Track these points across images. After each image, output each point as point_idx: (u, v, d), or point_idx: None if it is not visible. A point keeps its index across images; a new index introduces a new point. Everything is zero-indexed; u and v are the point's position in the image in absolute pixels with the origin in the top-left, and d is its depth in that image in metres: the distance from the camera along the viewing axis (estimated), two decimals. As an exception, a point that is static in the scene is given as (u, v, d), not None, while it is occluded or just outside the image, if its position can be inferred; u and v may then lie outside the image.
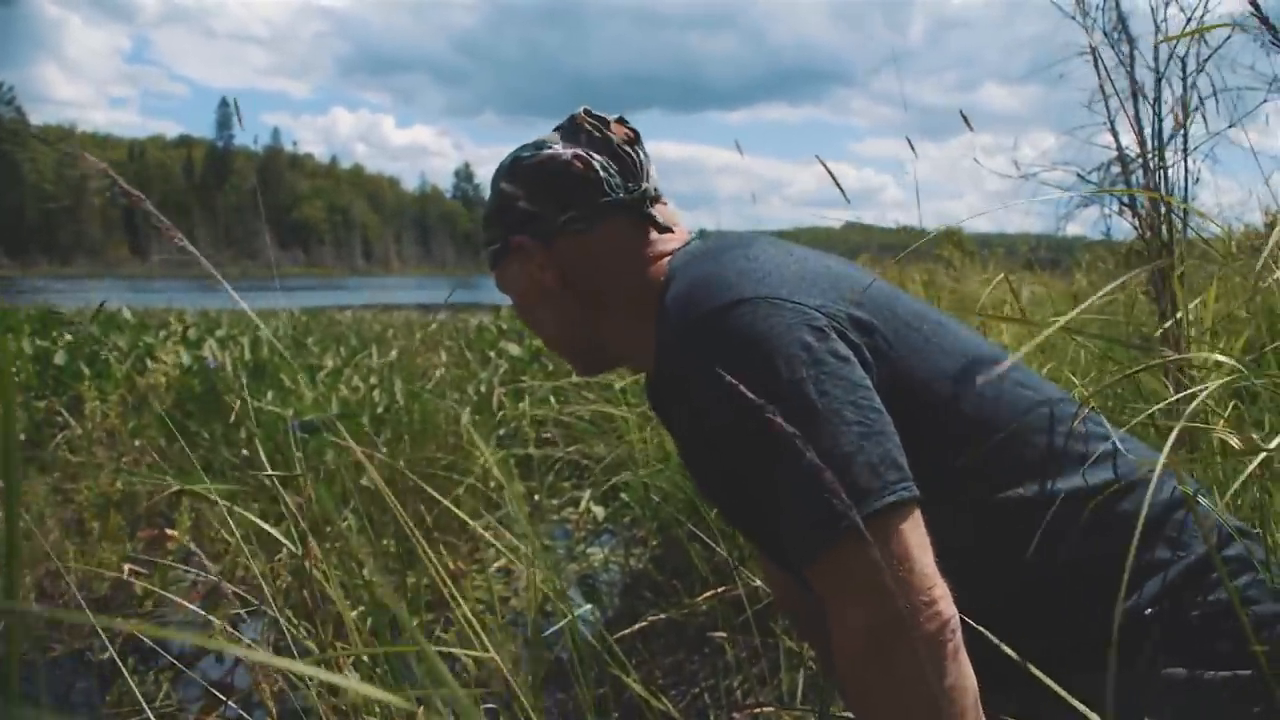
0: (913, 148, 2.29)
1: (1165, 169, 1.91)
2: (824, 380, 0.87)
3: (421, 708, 1.27)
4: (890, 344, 0.96)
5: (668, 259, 1.10)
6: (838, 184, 2.08)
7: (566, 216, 1.12)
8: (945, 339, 1.01)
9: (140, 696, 1.34)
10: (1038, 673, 0.82)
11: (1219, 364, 1.21)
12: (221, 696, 1.77)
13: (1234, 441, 1.02)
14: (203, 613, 2.07)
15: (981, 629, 0.85)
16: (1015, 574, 0.93)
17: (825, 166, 2.08)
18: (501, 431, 3.46)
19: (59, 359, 4.50)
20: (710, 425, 0.93)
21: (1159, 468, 0.87)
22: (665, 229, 1.16)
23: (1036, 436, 0.99)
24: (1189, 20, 1.64)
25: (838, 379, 0.88)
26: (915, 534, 0.85)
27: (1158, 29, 1.76)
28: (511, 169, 1.14)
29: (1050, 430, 0.99)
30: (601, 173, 1.12)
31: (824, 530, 0.84)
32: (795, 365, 0.87)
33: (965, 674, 0.85)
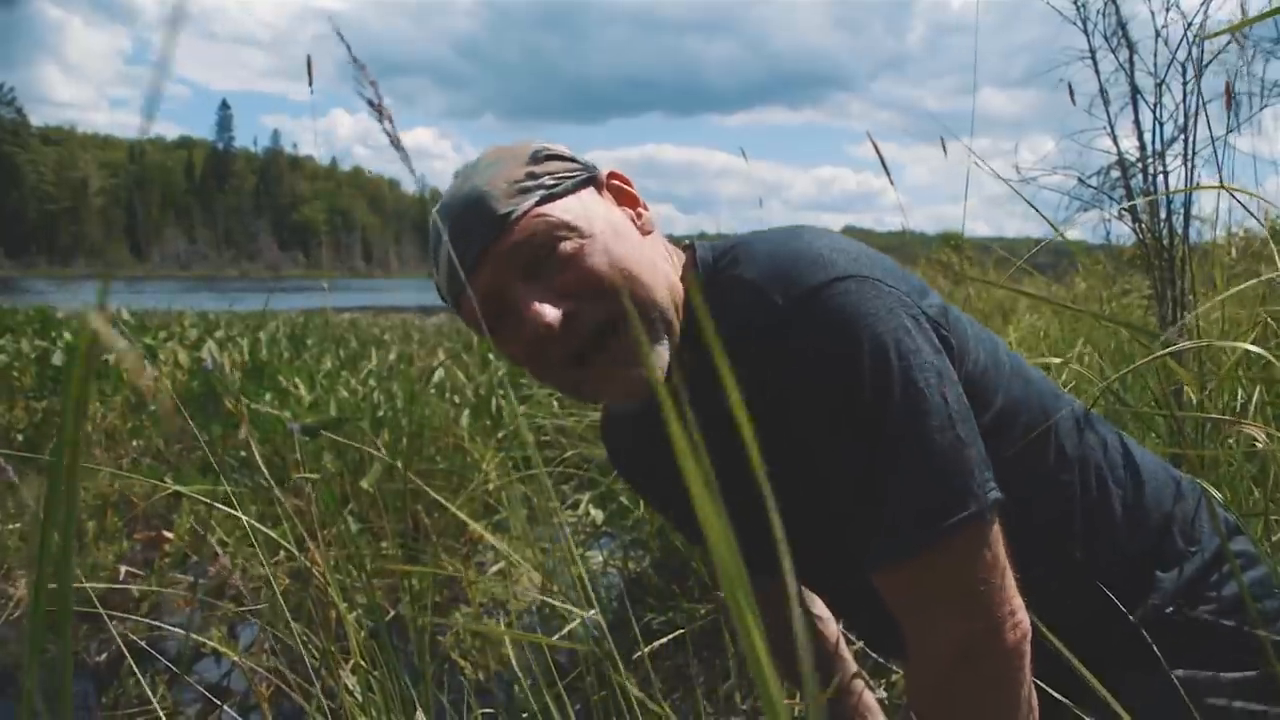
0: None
1: (1166, 172, 1.91)
2: (927, 370, 0.83)
3: (420, 712, 1.26)
4: (953, 335, 0.92)
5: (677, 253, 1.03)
6: (884, 164, 2.06)
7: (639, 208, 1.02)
8: (982, 333, 1.00)
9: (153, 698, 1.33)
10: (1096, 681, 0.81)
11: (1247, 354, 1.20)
12: (216, 700, 1.76)
13: (1260, 436, 1.01)
14: (200, 618, 2.06)
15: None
16: (1037, 573, 0.90)
17: (875, 144, 2.06)
18: (500, 434, 3.45)
19: (58, 359, 4.50)
20: (798, 402, 0.86)
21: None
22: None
23: (1065, 425, 0.97)
24: (1189, 25, 1.64)
25: (937, 370, 0.84)
26: (1002, 539, 0.84)
27: (1158, 35, 1.76)
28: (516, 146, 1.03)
29: (1074, 423, 0.99)
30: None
31: (925, 529, 0.81)
32: (902, 351, 0.83)
33: (1031, 685, 0.84)
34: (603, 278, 0.89)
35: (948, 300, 0.97)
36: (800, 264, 0.87)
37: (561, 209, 0.90)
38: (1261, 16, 0.68)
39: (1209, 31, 1.63)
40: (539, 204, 0.90)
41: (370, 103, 0.86)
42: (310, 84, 1.09)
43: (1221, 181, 1.60)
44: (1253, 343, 1.44)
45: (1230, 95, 1.68)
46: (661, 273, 0.94)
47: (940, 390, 0.82)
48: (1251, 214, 1.30)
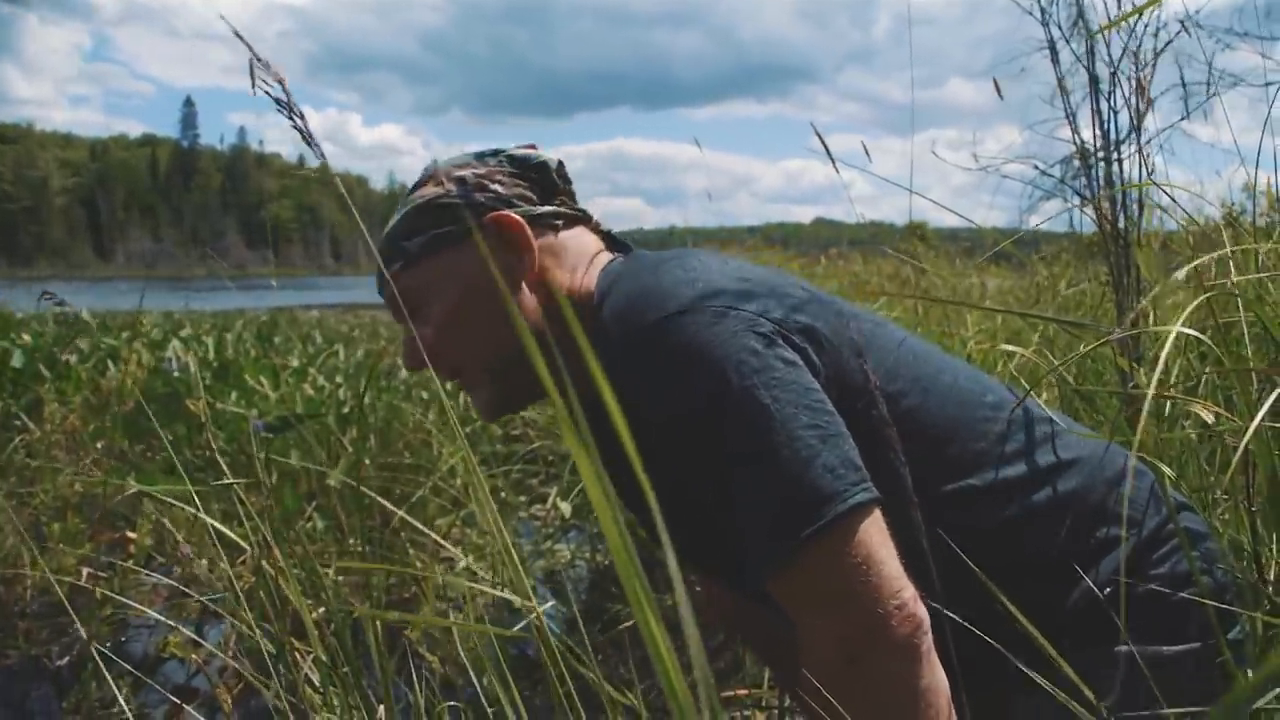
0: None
1: (1121, 161, 1.93)
2: (774, 386, 0.85)
3: (382, 707, 1.26)
4: (833, 344, 0.94)
5: (593, 278, 1.07)
6: (830, 155, 2.06)
7: (547, 209, 1.09)
8: (885, 337, 1.01)
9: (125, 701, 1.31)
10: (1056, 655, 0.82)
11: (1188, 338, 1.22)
12: (179, 702, 1.74)
13: (1206, 414, 1.03)
14: (162, 617, 2.04)
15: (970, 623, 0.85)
16: (975, 564, 0.92)
17: (819, 135, 2.06)
18: (468, 429, 3.44)
19: (16, 361, 4.42)
20: (656, 438, 0.89)
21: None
22: (623, 246, 1.14)
23: (981, 426, 0.99)
24: (1139, 13, 1.66)
25: (788, 384, 0.86)
26: (879, 536, 0.84)
27: (1110, 22, 1.78)
28: (483, 157, 1.10)
29: (993, 420, 1.00)
30: (570, 185, 1.13)
31: (785, 541, 0.82)
32: (744, 373, 0.85)
33: (938, 675, 0.84)
34: (413, 358, 1.08)
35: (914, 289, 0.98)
36: (643, 300, 0.93)
37: (413, 280, 1.07)
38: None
39: (1117, 18, 1.65)
40: (400, 269, 1.07)
41: (278, 101, 0.86)
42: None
43: (1145, 175, 1.62)
44: (1195, 329, 1.47)
45: (1144, 88, 1.70)
46: (501, 330, 1.04)
47: (789, 404, 0.85)
48: (1181, 207, 1.32)
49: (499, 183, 1.07)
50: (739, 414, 0.84)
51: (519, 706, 0.96)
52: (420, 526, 1.36)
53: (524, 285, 1.05)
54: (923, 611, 0.84)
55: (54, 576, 2.13)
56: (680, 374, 0.87)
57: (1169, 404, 1.29)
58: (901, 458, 0.89)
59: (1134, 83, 1.81)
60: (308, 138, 0.95)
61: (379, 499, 1.39)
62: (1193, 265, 0.95)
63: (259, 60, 0.89)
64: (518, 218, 1.05)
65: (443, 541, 1.30)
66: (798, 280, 1.03)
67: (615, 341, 0.92)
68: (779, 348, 0.88)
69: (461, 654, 1.48)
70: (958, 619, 0.87)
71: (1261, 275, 1.11)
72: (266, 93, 0.91)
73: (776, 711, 1.72)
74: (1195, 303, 0.86)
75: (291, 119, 0.93)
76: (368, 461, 2.93)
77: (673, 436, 0.89)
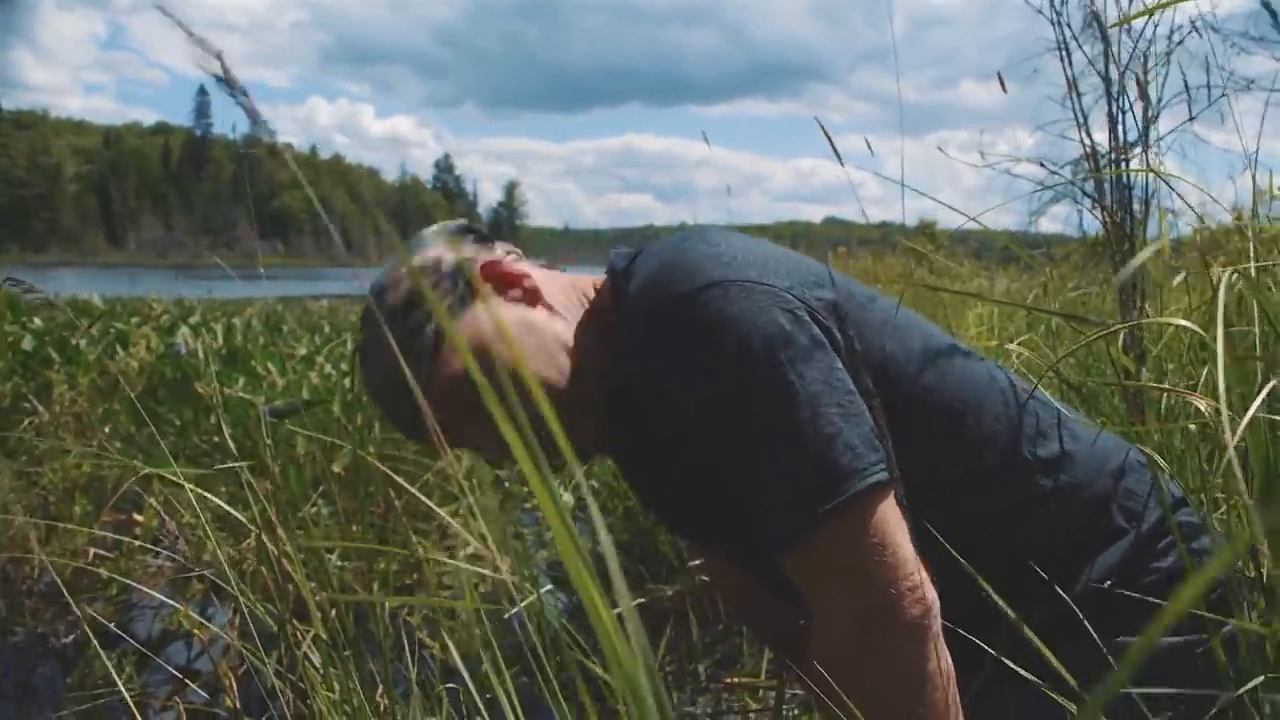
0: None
1: (1129, 161, 1.93)
2: (800, 363, 0.86)
3: (381, 686, 1.27)
4: (853, 322, 0.96)
5: (596, 280, 1.08)
6: (835, 149, 2.06)
7: (481, 242, 1.07)
8: (898, 318, 1.02)
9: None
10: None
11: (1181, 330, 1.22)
12: (183, 678, 1.76)
13: (1201, 405, 1.03)
14: (168, 599, 2.06)
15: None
16: (975, 551, 0.92)
17: (822, 128, 2.05)
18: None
19: (26, 344, 4.45)
20: (683, 414, 0.91)
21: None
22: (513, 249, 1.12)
23: (995, 409, 1.00)
24: (1150, 13, 1.66)
25: (813, 361, 0.87)
26: (895, 518, 0.85)
27: (1121, 24, 1.78)
28: (383, 290, 1.05)
29: (1004, 404, 1.01)
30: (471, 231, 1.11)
31: (804, 514, 0.84)
32: (772, 348, 0.86)
33: (944, 658, 0.85)
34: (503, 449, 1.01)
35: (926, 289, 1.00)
36: (669, 274, 0.93)
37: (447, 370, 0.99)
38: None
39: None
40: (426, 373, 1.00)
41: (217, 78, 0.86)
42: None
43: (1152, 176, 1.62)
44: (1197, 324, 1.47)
45: (1143, 88, 1.70)
46: (545, 357, 0.99)
47: (814, 381, 0.86)
48: (1190, 206, 1.32)
49: (430, 277, 1.03)
50: (764, 390, 0.85)
51: (510, 691, 0.97)
52: (427, 502, 1.36)
53: (544, 308, 1.03)
54: (933, 595, 0.85)
55: (56, 560, 2.16)
56: (708, 348, 0.87)
57: (1167, 398, 1.29)
58: (886, 440, 0.91)
59: (1141, 84, 1.81)
60: (253, 115, 0.95)
61: (387, 471, 1.40)
62: (1195, 232, 0.95)
63: (191, 35, 0.89)
64: (486, 259, 1.04)
65: (450, 519, 1.31)
66: (813, 260, 1.05)
67: (639, 317, 0.94)
68: (806, 324, 0.89)
69: (460, 641, 1.50)
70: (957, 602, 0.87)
71: (1269, 264, 1.11)
72: (204, 69, 0.91)
73: (773, 699, 1.73)
74: (1225, 281, 0.86)
75: (234, 96, 0.94)
76: (372, 450, 2.95)
77: (698, 410, 0.90)
